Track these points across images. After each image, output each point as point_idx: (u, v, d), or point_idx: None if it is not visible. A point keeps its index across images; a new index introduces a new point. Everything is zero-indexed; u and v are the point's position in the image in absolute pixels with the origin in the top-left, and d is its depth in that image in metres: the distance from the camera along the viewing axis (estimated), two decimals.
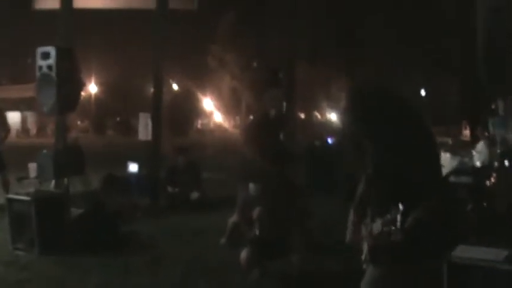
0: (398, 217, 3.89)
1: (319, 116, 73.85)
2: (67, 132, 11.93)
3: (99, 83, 63.48)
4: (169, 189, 12.98)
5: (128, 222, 10.41)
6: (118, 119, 70.65)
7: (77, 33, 13.88)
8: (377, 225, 4.04)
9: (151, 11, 13.25)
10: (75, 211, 9.38)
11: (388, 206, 3.95)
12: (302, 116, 61.23)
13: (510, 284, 4.95)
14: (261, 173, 7.71)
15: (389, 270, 4.10)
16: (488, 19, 6.38)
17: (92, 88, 63.36)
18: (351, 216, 4.37)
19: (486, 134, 12.51)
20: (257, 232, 6.93)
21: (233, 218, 8.80)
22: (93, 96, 63.90)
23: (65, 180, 10.05)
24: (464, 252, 5.24)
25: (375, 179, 4.18)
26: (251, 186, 7.30)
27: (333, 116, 69.92)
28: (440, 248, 4.16)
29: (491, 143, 12.05)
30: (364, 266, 4.20)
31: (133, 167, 14.73)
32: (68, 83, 9.57)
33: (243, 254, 6.84)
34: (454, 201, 7.09)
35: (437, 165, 4.17)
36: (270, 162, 7.75)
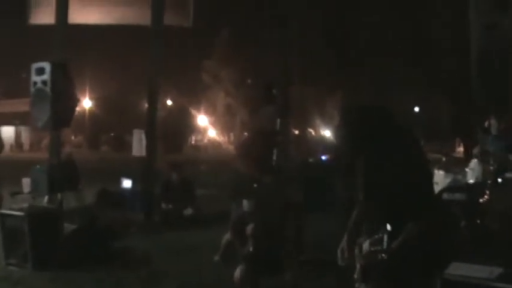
0: (385, 237, 3.92)
1: (313, 133, 73.95)
2: (61, 148, 11.92)
3: (93, 98, 63.47)
4: (163, 205, 12.98)
5: (122, 238, 10.37)
6: (112, 134, 70.64)
7: (72, 48, 13.89)
8: (366, 245, 4.08)
9: (146, 27, 13.28)
10: (69, 226, 9.35)
11: (378, 225, 3.98)
12: (296, 132, 61.26)
13: None
14: (255, 190, 7.71)
15: None
16: (481, 36, 6.42)
17: (87, 103, 63.35)
18: (345, 237, 4.39)
19: (479, 151, 12.55)
20: (251, 249, 6.91)
21: (227, 235, 8.79)
22: (87, 111, 63.87)
23: (59, 195, 10.03)
24: (457, 269, 5.24)
25: (365, 200, 4.20)
26: (244, 202, 7.30)
27: (327, 133, 70.06)
28: (432, 266, 4.15)
29: (484, 160, 12.07)
30: (357, 286, 4.21)
31: (127, 183, 14.73)
32: (62, 98, 9.57)
33: (237, 273, 6.82)
34: (447, 220, 7.07)
35: (428, 185, 4.17)
36: (264, 179, 7.75)
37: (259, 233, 6.94)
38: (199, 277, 8.21)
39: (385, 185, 4.03)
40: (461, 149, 49.61)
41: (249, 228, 7.00)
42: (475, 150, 12.89)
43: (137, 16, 13.99)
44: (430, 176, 4.26)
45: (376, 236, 4.00)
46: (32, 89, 9.72)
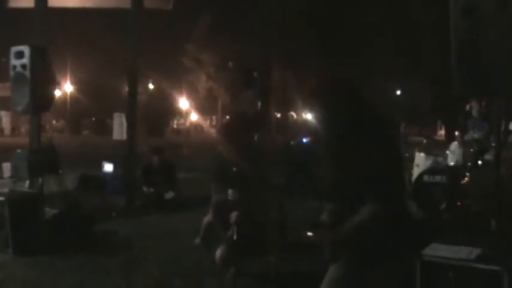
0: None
1: (295, 116, 73.98)
2: (42, 132, 11.86)
3: (75, 83, 63.19)
4: (145, 189, 12.97)
5: (103, 222, 10.37)
6: (94, 118, 70.45)
7: (52, 32, 13.79)
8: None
9: (126, 10, 13.20)
10: (50, 211, 9.34)
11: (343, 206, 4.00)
12: (278, 115, 61.31)
13: (481, 282, 4.99)
14: (238, 176, 7.70)
15: (348, 269, 4.11)
16: (460, 20, 6.42)
17: (68, 87, 63.04)
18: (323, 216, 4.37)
19: (460, 134, 12.63)
20: (234, 237, 6.90)
21: (207, 218, 8.80)
22: (68, 95, 63.59)
23: (40, 180, 10.00)
24: (436, 250, 5.29)
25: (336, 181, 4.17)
26: (230, 191, 7.29)
27: (308, 116, 70.07)
28: (401, 248, 4.14)
29: (464, 143, 12.15)
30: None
31: (108, 167, 14.72)
32: (41, 82, 9.53)
33: (218, 252, 6.83)
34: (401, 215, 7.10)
35: (392, 167, 4.08)
36: (246, 162, 7.76)
37: (243, 220, 6.94)
38: (181, 261, 8.21)
39: (350, 165, 4.00)
40: (442, 131, 49.95)
41: (233, 215, 6.99)
42: (455, 133, 12.98)
43: None
44: (396, 159, 4.16)
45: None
46: (12, 73, 9.68)
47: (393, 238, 4.00)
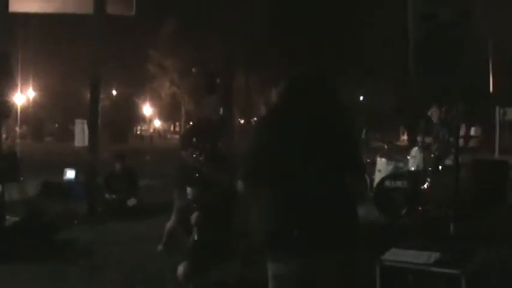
0: None
1: None
2: (3, 139, 11.74)
3: (37, 89, 62.53)
4: (107, 195, 12.90)
5: (65, 229, 10.29)
6: (57, 125, 69.78)
7: (14, 37, 13.67)
8: None
9: (88, 16, 13.14)
10: (11, 219, 9.25)
11: None
12: (242, 121, 61.47)
13: (440, 286, 5.06)
14: (199, 178, 7.70)
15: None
16: (419, 26, 6.51)
17: (30, 94, 62.42)
18: None
19: (421, 139, 12.76)
20: (195, 237, 6.89)
21: (170, 224, 8.79)
22: (31, 101, 62.94)
23: (0, 187, 9.89)
24: (396, 255, 5.35)
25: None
26: (188, 190, 7.27)
27: None
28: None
29: (425, 148, 12.28)
30: None
31: (70, 174, 14.63)
32: (2, 88, 9.44)
33: (180, 270, 6.77)
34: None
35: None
36: (208, 169, 7.76)
37: (203, 221, 6.93)
38: (143, 268, 8.18)
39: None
40: (405, 137, 50.36)
41: (193, 216, 6.98)
42: (418, 138, 13.10)
43: (79, 4, 13.76)
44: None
45: None
46: None
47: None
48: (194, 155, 7.63)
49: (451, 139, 11.39)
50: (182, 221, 7.50)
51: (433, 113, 12.49)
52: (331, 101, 4.16)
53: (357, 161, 4.13)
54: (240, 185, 3.97)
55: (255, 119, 68.05)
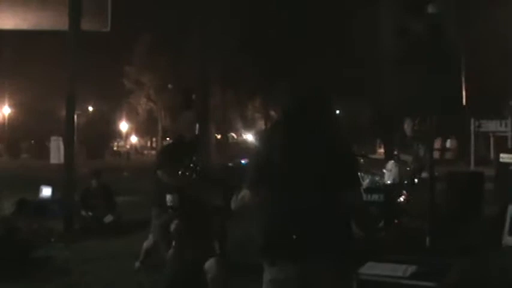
0: None
1: (235, 137, 74.22)
2: None
3: (13, 105, 62.16)
4: (83, 213, 12.82)
5: (41, 247, 10.20)
6: (32, 141, 69.31)
7: None
8: None
9: (64, 32, 13.12)
10: None
11: None
12: (218, 136, 61.49)
13: None
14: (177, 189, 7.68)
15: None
16: (393, 40, 6.60)
17: (6, 110, 62.04)
18: None
19: (396, 153, 12.85)
20: (175, 245, 6.82)
21: (147, 243, 8.75)
22: (6, 118, 62.54)
23: None
24: (373, 269, 5.37)
25: None
26: (168, 197, 7.24)
27: (248, 137, 70.47)
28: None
29: (400, 161, 12.37)
30: None
31: (46, 191, 14.54)
32: None
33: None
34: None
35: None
36: (185, 185, 7.75)
37: (182, 229, 6.87)
38: (120, 285, 8.15)
39: None
40: (382, 150, 50.64)
41: (173, 225, 6.93)
42: (393, 152, 13.19)
43: (54, 21, 13.75)
44: None
45: None
46: None
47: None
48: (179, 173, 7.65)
49: (425, 152, 11.50)
50: (163, 237, 7.43)
51: (406, 127, 12.61)
52: (330, 120, 4.39)
53: (355, 177, 4.39)
54: (242, 194, 4.14)
55: (232, 134, 68.05)
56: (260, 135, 4.12)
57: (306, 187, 3.99)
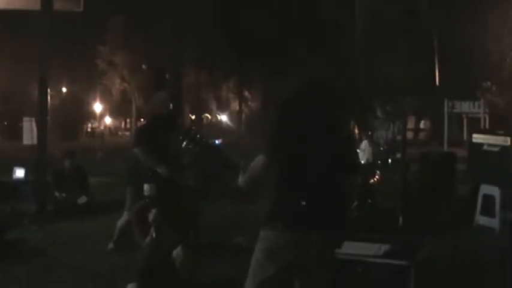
0: None
1: (209, 117, 74.12)
2: None
3: None
4: (57, 194, 12.74)
5: (14, 229, 10.14)
6: (6, 123, 68.68)
7: None
8: None
9: (36, 12, 12.99)
10: None
11: None
12: (193, 117, 61.37)
13: (390, 277, 5.15)
14: (156, 174, 7.66)
15: None
16: (365, 23, 6.60)
17: None
18: None
19: (369, 133, 12.90)
20: (153, 235, 6.80)
21: (121, 221, 8.73)
22: None
23: None
24: (347, 248, 5.41)
25: None
26: (146, 186, 7.20)
27: (223, 118, 70.52)
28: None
29: (373, 142, 12.43)
30: None
31: (19, 173, 14.43)
32: None
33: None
34: None
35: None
36: (161, 166, 7.74)
37: (161, 218, 6.84)
38: (94, 266, 8.13)
39: None
40: (356, 130, 50.90)
41: (151, 215, 6.89)
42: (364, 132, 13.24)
43: (26, 1, 13.61)
44: None
45: None
46: None
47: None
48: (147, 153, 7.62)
49: (397, 133, 11.56)
50: (138, 222, 7.40)
51: (377, 109, 12.66)
52: (338, 107, 4.64)
53: (356, 162, 5.06)
54: (258, 158, 4.31)
55: (206, 115, 67.89)
56: (280, 109, 4.34)
57: (317, 161, 4.23)
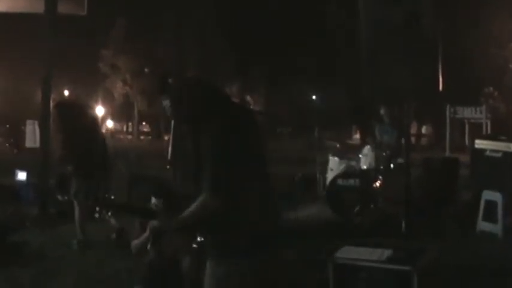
0: None
1: None
2: None
3: None
4: (59, 197, 12.73)
5: (16, 232, 10.13)
6: (8, 125, 68.71)
7: None
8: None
9: (40, 15, 13.00)
10: None
11: None
12: None
13: (392, 282, 5.14)
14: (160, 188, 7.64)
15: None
16: (370, 30, 6.60)
17: None
18: None
19: (372, 138, 12.87)
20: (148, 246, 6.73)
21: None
22: None
23: None
24: (349, 253, 5.41)
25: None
26: (153, 199, 7.18)
27: None
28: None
29: (377, 146, 12.39)
30: None
31: (21, 175, 14.40)
32: None
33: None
34: None
35: (224, 159, 3.97)
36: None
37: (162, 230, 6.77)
38: (97, 270, 8.12)
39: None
40: (357, 135, 50.81)
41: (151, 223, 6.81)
42: (368, 137, 13.19)
43: (30, 4, 13.62)
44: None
45: None
46: None
47: (227, 232, 3.98)
48: None
49: (402, 138, 11.51)
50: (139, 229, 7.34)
51: (384, 113, 12.61)
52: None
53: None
54: (201, 199, 3.98)
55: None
56: (215, 133, 3.92)
57: (264, 177, 4.09)
